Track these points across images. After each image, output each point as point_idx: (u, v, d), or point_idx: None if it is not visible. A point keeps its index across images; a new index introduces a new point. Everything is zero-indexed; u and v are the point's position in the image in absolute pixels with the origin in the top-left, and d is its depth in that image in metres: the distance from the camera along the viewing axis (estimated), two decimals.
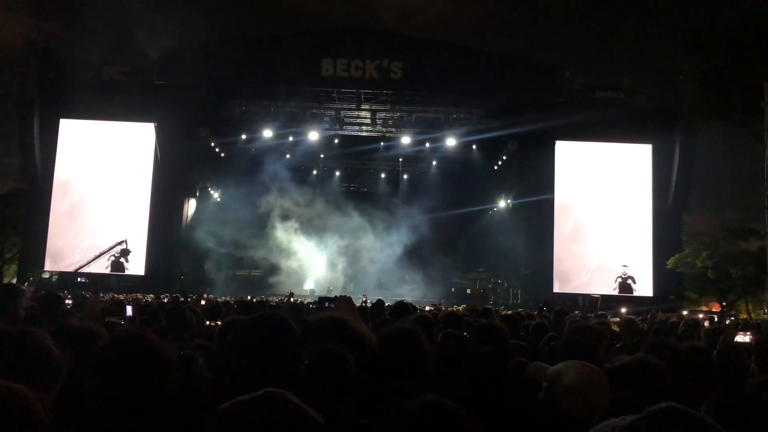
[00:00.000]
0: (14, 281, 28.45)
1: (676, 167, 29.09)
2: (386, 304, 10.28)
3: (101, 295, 14.94)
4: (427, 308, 21.42)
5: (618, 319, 9.80)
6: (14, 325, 3.16)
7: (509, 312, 10.70)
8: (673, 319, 10.23)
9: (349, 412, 2.30)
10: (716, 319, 13.38)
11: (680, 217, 30.50)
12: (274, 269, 35.06)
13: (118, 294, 20.97)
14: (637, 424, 1.02)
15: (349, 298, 4.15)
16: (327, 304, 3.94)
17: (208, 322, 5.93)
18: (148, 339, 1.95)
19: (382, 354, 2.84)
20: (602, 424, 1.41)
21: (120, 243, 29.02)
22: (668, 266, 28.41)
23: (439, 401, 1.76)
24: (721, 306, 30.29)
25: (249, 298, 20.64)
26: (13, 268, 37.32)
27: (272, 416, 1.42)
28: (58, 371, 1.93)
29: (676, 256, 28.60)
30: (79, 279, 27.06)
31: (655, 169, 29.85)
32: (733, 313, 25.85)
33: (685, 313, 18.82)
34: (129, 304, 6.53)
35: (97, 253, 28.81)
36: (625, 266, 29.09)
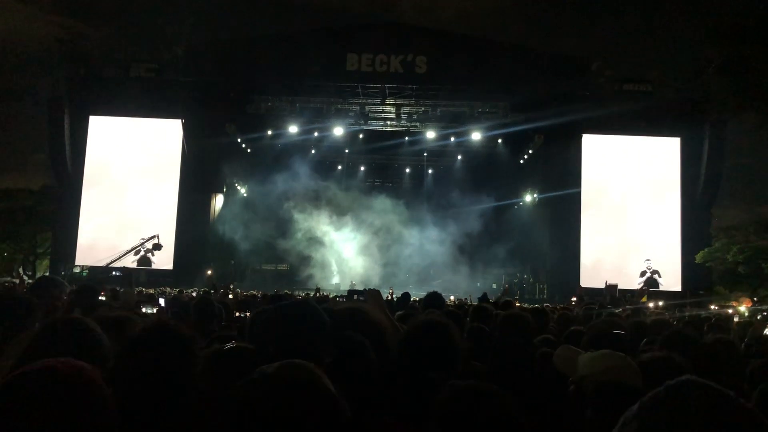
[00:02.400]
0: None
1: (705, 160, 28.68)
2: (412, 298, 10.34)
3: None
4: (452, 298, 21.54)
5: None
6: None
7: (537, 306, 10.69)
8: (703, 314, 10.14)
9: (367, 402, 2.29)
10: (747, 314, 13.21)
11: (709, 210, 30.06)
12: (299, 264, 35.29)
13: (146, 288, 21.32)
14: (656, 397, 1.04)
15: (378, 291, 4.18)
16: (356, 296, 3.96)
17: (238, 314, 6.03)
18: (178, 328, 2.04)
19: (410, 345, 2.75)
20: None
21: (152, 237, 29.46)
22: (697, 261, 28.03)
23: (482, 386, 1.77)
24: (752, 301, 29.76)
25: (275, 292, 20.79)
26: (45, 262, 38.09)
27: (294, 386, 1.45)
28: (107, 358, 2.01)
29: (705, 250, 28.19)
30: (113, 273, 27.51)
31: (683, 162, 29.47)
32: (765, 308, 25.39)
33: (713, 307, 18.58)
34: (161, 297, 6.68)
35: (129, 248, 29.27)
36: (648, 260, 28.80)
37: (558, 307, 11.74)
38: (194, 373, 1.98)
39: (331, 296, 15.52)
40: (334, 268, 35.69)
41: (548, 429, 2.64)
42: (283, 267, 36.91)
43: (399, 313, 5.23)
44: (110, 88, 30.24)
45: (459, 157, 35.90)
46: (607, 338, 3.41)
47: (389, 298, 16.13)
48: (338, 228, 35.68)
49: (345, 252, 35.86)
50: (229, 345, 2.46)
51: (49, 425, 1.35)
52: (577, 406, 2.51)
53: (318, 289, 22.82)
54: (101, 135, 30.80)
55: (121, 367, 1.89)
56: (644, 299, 22.51)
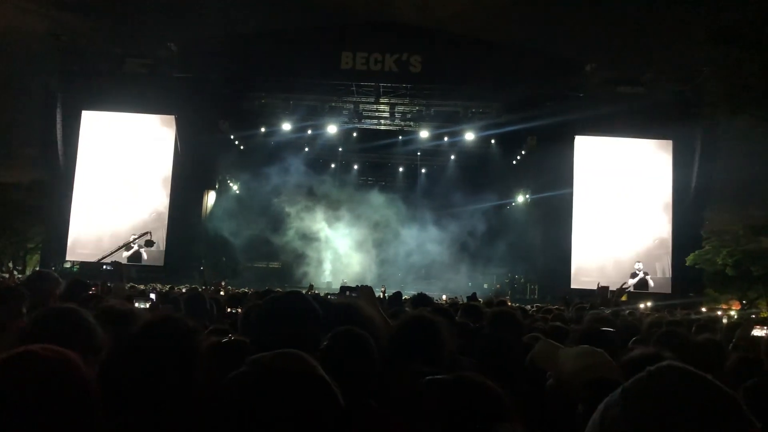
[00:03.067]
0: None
1: (697, 163, 28.80)
2: (404, 297, 10.34)
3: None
4: (444, 297, 21.55)
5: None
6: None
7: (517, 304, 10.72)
8: (693, 316, 10.21)
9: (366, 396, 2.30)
10: (735, 317, 13.28)
11: (701, 213, 30.18)
12: (291, 262, 35.26)
13: (137, 284, 21.23)
14: (638, 382, 1.05)
15: (370, 288, 4.21)
16: (348, 293, 3.98)
17: (229, 309, 6.04)
18: (184, 321, 2.06)
19: (399, 338, 2.81)
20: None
21: (144, 234, 29.30)
22: (688, 263, 28.16)
23: (468, 377, 1.79)
24: (741, 304, 29.94)
25: (266, 288, 20.72)
26: (36, 257, 37.92)
27: (291, 375, 1.46)
28: (99, 348, 2.02)
29: (696, 252, 28.34)
30: (104, 267, 27.35)
31: (675, 164, 29.59)
32: (754, 311, 25.56)
33: (704, 310, 18.68)
34: (152, 292, 6.67)
35: (121, 244, 29.10)
36: (638, 262, 28.90)
37: (553, 308, 11.79)
38: (197, 366, 1.99)
39: (322, 295, 15.50)
40: (327, 266, 35.67)
41: (535, 422, 2.67)
42: (274, 264, 36.88)
43: (390, 310, 5.25)
44: (103, 82, 30.08)
45: (452, 157, 35.93)
46: (595, 336, 3.44)
47: (381, 296, 16.12)
48: (330, 227, 35.68)
49: (336, 250, 35.85)
50: (226, 338, 2.47)
51: (29, 410, 1.36)
52: (557, 400, 2.54)
53: (311, 286, 22.75)
54: (94, 130, 30.63)
55: (125, 358, 1.90)
56: (624, 298, 22.54)
